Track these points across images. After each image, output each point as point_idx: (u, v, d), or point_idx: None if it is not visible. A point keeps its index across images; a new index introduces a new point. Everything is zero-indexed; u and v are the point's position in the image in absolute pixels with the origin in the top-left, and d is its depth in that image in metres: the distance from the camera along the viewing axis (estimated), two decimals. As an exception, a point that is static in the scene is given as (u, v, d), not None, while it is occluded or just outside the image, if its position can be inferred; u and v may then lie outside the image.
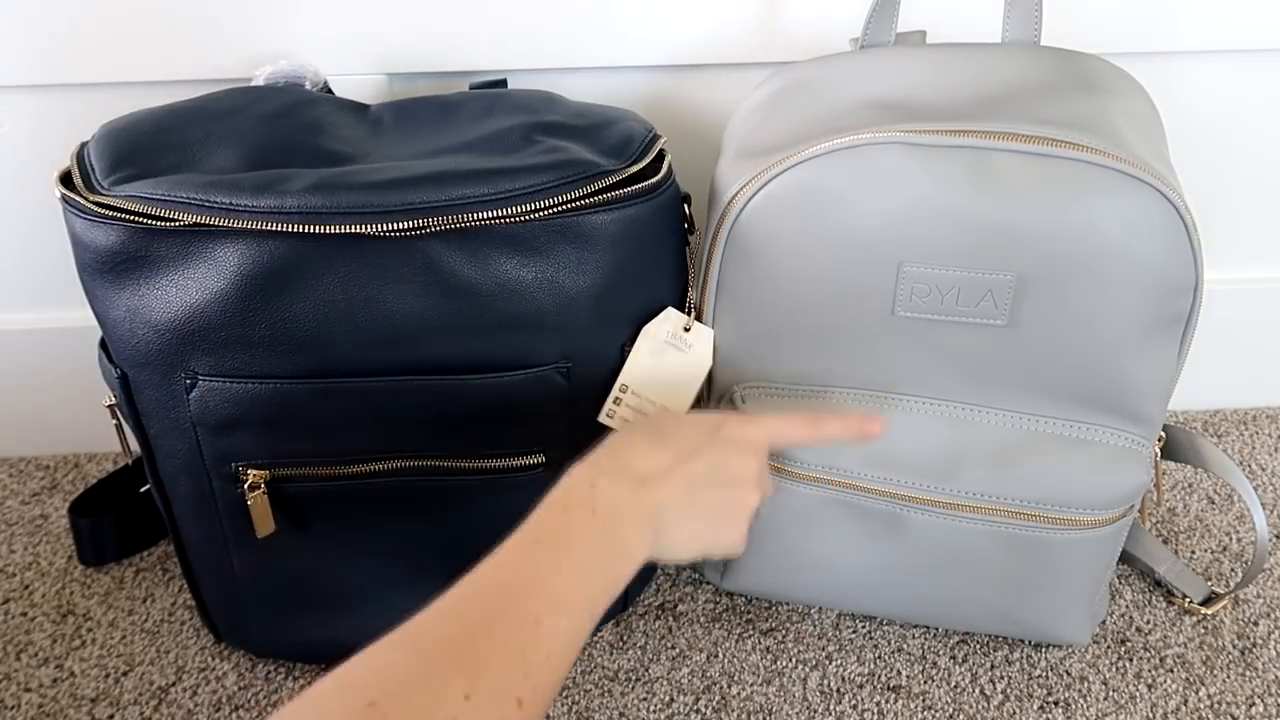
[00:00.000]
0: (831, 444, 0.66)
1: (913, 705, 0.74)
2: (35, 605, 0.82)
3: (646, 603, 0.81)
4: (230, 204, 0.58)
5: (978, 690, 0.75)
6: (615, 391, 0.67)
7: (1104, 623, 0.79)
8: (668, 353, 0.67)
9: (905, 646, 0.77)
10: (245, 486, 0.65)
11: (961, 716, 0.73)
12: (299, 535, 0.69)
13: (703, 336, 0.68)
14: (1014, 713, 0.73)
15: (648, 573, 0.81)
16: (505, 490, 0.68)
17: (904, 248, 0.61)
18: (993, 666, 0.76)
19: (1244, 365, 0.97)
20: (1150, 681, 0.75)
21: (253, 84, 0.74)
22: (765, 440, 0.61)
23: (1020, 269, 0.61)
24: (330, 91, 0.76)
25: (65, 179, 0.61)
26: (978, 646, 0.77)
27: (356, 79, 0.79)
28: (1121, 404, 0.65)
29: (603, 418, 0.68)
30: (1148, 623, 0.79)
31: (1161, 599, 0.81)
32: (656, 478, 0.55)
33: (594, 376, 0.66)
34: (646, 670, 0.76)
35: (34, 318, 0.89)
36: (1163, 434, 0.72)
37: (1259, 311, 0.94)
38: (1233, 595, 0.80)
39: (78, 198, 0.59)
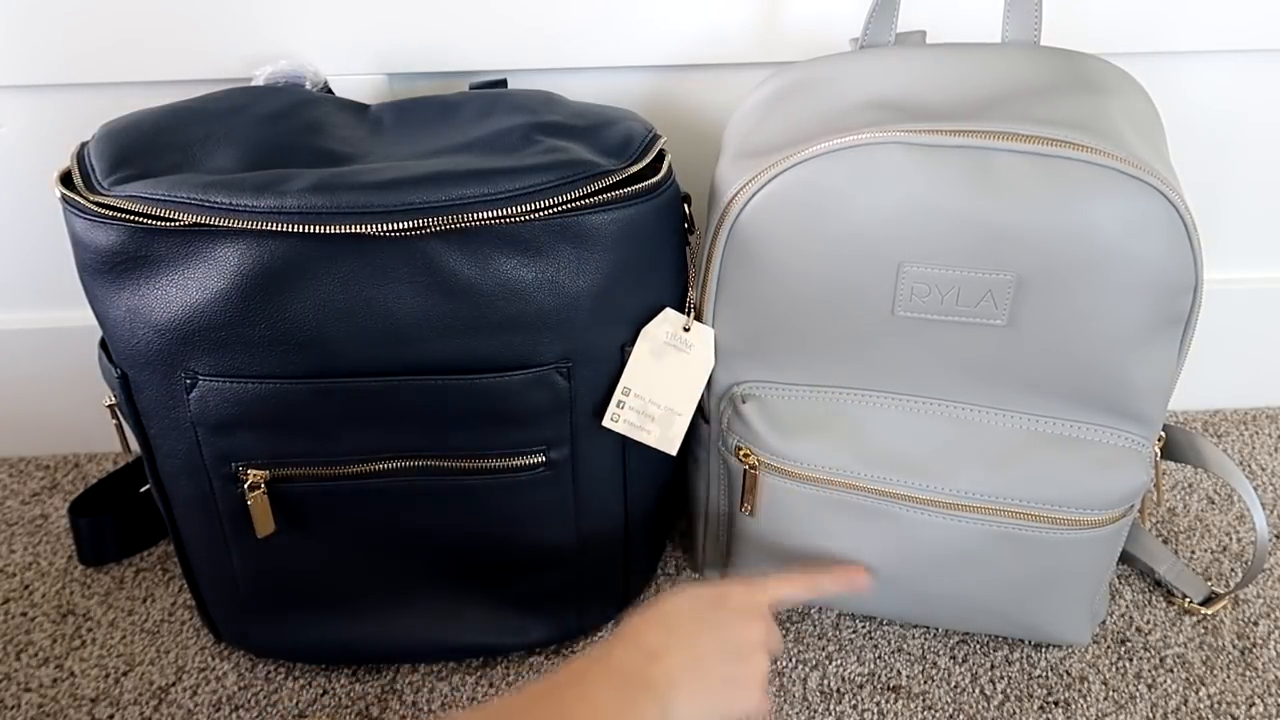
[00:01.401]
0: (828, 596, 0.70)
1: (913, 705, 0.74)
2: (35, 605, 0.82)
3: (646, 603, 0.81)
4: (230, 204, 0.58)
5: (978, 690, 0.75)
6: (618, 394, 0.67)
7: (1104, 623, 0.79)
8: (669, 353, 0.67)
9: (905, 646, 0.77)
10: (245, 486, 0.65)
11: (961, 716, 0.73)
12: (299, 535, 0.69)
13: (703, 336, 0.68)
14: (1014, 713, 0.73)
15: (648, 571, 0.81)
16: (505, 490, 0.68)
17: (904, 247, 0.61)
18: (993, 666, 0.76)
19: (1244, 365, 0.97)
20: (1150, 681, 0.75)
21: (253, 84, 0.74)
22: (768, 604, 0.64)
23: (1020, 269, 0.61)
24: (330, 91, 0.76)
25: (65, 179, 0.61)
26: (978, 646, 0.77)
27: (356, 79, 0.79)
28: (1121, 404, 0.65)
29: (606, 421, 0.67)
30: (1148, 623, 0.79)
31: (1161, 599, 0.81)
32: (665, 654, 0.58)
33: (594, 376, 0.66)
34: (646, 670, 0.76)
35: (34, 318, 0.89)
36: (1163, 434, 0.72)
37: (1259, 311, 0.94)
38: (1233, 595, 0.80)
39: (78, 198, 0.59)
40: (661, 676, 0.57)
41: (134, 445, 0.70)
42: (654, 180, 0.63)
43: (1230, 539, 0.86)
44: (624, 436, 0.68)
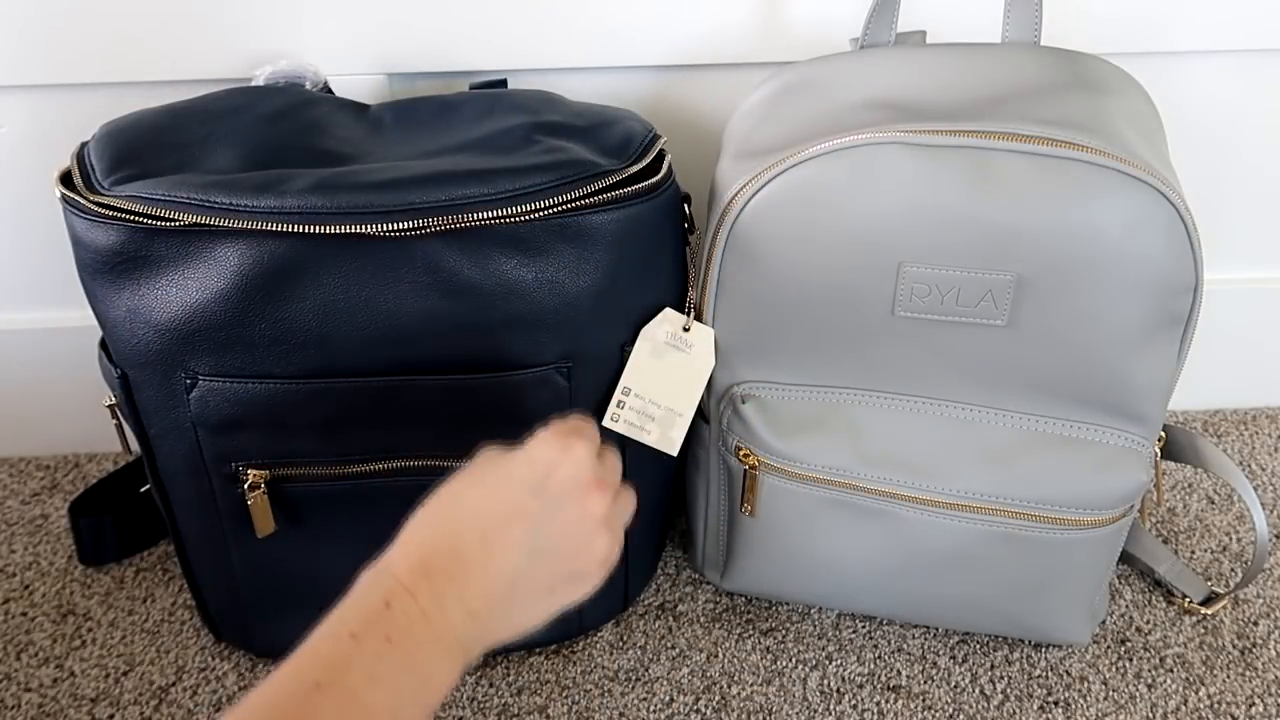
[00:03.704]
0: None
1: (913, 705, 0.74)
2: (35, 605, 0.82)
3: (646, 603, 0.81)
4: (230, 204, 0.58)
5: (978, 690, 0.75)
6: (618, 394, 0.67)
7: (1104, 623, 0.79)
8: (669, 353, 0.67)
9: (905, 646, 0.77)
10: (245, 486, 0.65)
11: (961, 716, 0.73)
12: (299, 535, 0.69)
13: (703, 336, 0.68)
14: (1014, 713, 0.73)
15: (648, 571, 0.81)
16: (505, 490, 0.68)
17: (904, 248, 0.61)
18: (993, 666, 0.76)
19: (1244, 365, 0.97)
20: (1150, 681, 0.75)
21: (253, 84, 0.74)
22: (599, 473, 0.53)
23: (1020, 269, 0.61)
24: (330, 91, 0.76)
25: (65, 179, 0.61)
26: (978, 646, 0.77)
27: (356, 79, 0.79)
28: (1121, 404, 0.65)
29: (606, 421, 0.67)
30: (1148, 623, 0.79)
31: (1161, 599, 0.81)
32: (468, 576, 0.47)
33: (594, 377, 0.66)
34: (646, 670, 0.76)
35: (34, 318, 0.89)
36: (1163, 434, 0.72)
37: (1259, 311, 0.94)
38: (1233, 595, 0.80)
39: (78, 198, 0.59)
40: (466, 608, 0.45)
41: (134, 445, 0.70)
42: (654, 180, 0.63)
43: (1230, 539, 0.86)
44: (624, 437, 0.68)
